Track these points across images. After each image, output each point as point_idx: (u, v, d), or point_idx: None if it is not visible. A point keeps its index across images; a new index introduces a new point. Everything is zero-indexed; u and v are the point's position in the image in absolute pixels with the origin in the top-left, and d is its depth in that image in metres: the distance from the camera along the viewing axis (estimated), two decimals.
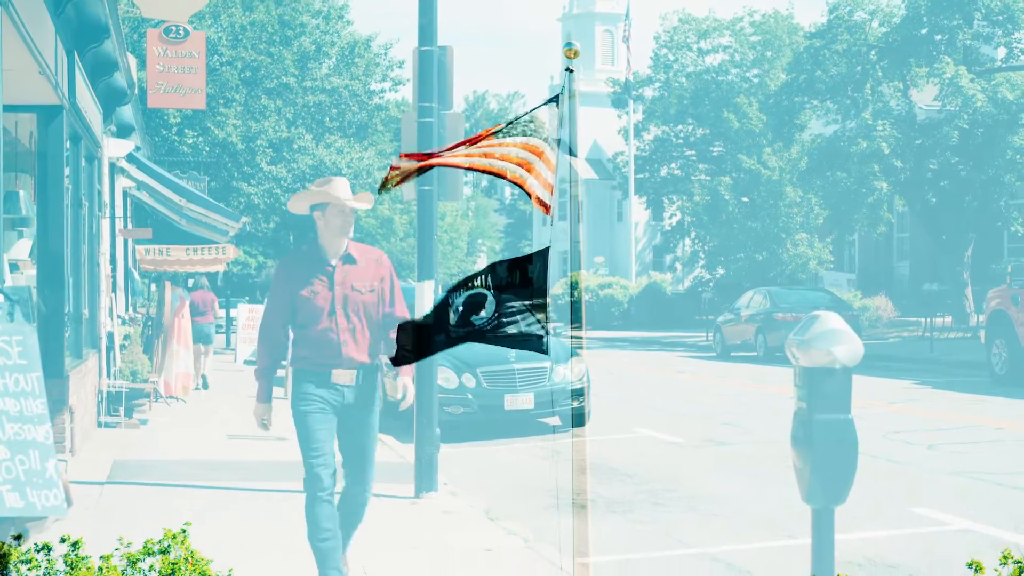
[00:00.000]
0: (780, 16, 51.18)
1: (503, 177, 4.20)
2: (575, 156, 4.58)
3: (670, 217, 55.98)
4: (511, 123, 4.21)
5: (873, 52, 35.07)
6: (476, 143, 4.17)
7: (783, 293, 31.49)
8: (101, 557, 2.67)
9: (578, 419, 6.50)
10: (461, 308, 4.27)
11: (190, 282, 34.03)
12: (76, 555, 2.65)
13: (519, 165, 4.16)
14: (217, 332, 30.36)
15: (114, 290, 18.50)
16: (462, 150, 4.22)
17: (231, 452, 13.37)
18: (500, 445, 14.51)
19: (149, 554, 2.70)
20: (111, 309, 17.10)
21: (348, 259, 6.95)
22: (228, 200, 42.01)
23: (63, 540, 2.73)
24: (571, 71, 4.10)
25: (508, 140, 4.14)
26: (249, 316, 30.43)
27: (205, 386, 22.65)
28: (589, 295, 48.79)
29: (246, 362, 29.53)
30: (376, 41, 48.58)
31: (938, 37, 33.77)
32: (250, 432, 15.17)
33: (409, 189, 11.17)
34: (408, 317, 6.87)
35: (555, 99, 4.33)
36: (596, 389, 17.91)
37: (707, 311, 41.90)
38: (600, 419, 15.47)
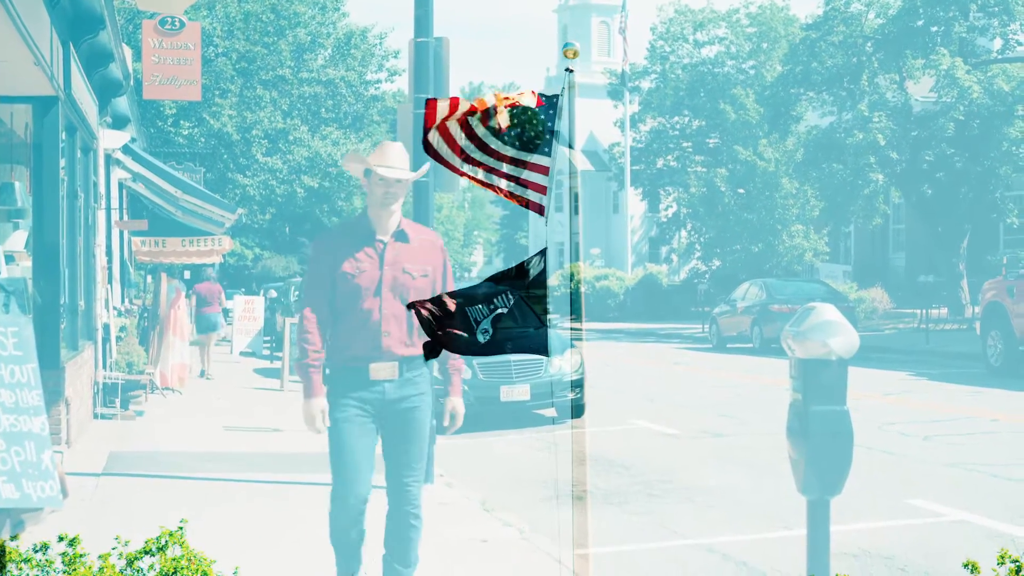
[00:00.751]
0: (776, 7, 51.16)
1: (498, 192, 4.23)
2: (572, 148, 4.57)
3: (666, 209, 55.97)
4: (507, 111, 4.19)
5: (869, 44, 35.05)
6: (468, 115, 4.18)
7: (779, 285, 31.51)
8: (100, 557, 2.67)
9: (575, 410, 6.49)
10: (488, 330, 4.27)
11: (186, 274, 34.00)
12: (74, 553, 2.64)
13: (510, 178, 4.20)
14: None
15: (110, 282, 18.50)
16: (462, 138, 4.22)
17: (227, 444, 13.37)
18: (496, 437, 14.52)
19: (148, 553, 2.69)
20: (107, 300, 17.09)
21: (400, 236, 6.15)
22: (224, 192, 42.04)
23: (61, 539, 2.72)
24: (571, 71, 4.10)
25: (504, 153, 4.17)
26: (245, 307, 30.44)
27: (208, 376, 22.84)
28: (585, 287, 48.82)
29: (242, 353, 29.57)
30: (372, 32, 48.55)
31: (934, 29, 33.76)
32: (246, 424, 15.20)
33: None
34: None
35: (554, 96, 4.31)
36: (592, 381, 17.93)
37: (703, 303, 41.94)
38: (596, 411, 15.48)
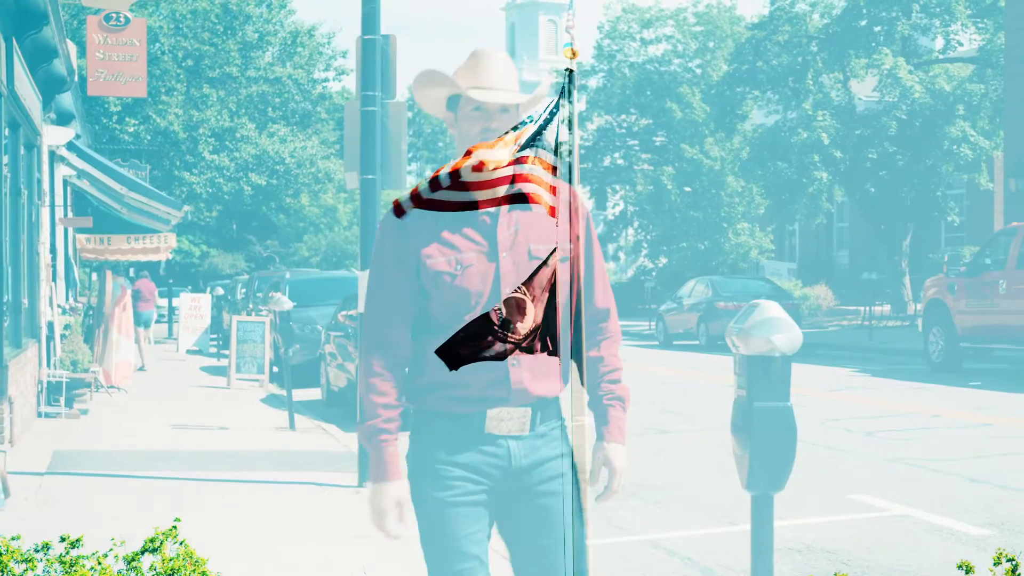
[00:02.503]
0: (723, 7, 51.51)
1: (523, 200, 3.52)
2: (572, 151, 4.56)
3: (613, 207, 56.22)
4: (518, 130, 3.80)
5: (814, 43, 35.39)
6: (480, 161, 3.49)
7: (725, 282, 31.76)
8: (94, 555, 2.67)
9: None
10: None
11: (131, 271, 33.73)
12: (73, 557, 2.65)
13: (528, 180, 3.56)
14: (159, 321, 30.37)
15: (54, 279, 18.33)
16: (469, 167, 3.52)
17: (174, 442, 13.30)
18: None
19: (146, 551, 2.70)
20: (51, 298, 16.95)
21: (519, 200, 3.51)
22: (170, 189, 41.76)
23: (63, 539, 2.73)
24: (571, 71, 4.00)
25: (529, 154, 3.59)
26: (192, 305, 30.29)
27: (144, 368, 23.14)
28: None
29: (189, 351, 29.41)
30: (319, 30, 48.43)
31: (877, 29, 34.16)
32: (192, 422, 15.12)
33: (352, 178, 11.17)
34: (614, 312, 4.10)
35: (557, 100, 4.00)
36: None
37: (650, 300, 42.14)
38: None
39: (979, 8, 33.37)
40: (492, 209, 3.65)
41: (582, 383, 3.48)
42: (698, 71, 51.34)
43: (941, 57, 35.07)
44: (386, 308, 3.76)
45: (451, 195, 3.14)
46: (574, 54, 4.11)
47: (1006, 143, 29.95)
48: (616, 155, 53.94)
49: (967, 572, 2.73)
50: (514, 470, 3.79)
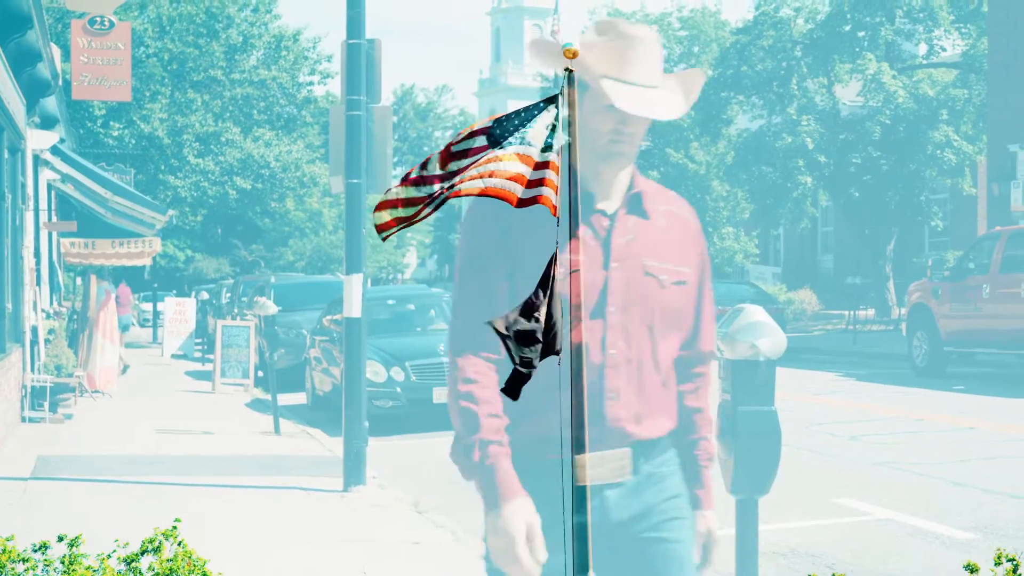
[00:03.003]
0: (708, 11, 51.58)
1: (486, 194, 3.25)
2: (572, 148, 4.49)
3: None
4: (506, 123, 3.60)
5: (798, 48, 35.47)
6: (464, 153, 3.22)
7: None
8: (97, 556, 2.68)
9: None
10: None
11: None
12: (72, 554, 2.65)
13: (513, 180, 3.26)
14: (143, 325, 30.34)
15: (38, 284, 18.28)
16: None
17: (159, 447, 13.27)
18: (429, 438, 14.51)
19: (144, 552, 2.70)
20: (35, 303, 16.90)
21: (635, 205, 3.29)
22: (155, 193, 41.68)
23: (61, 539, 2.73)
24: (570, 71, 3.93)
25: (502, 153, 3.35)
26: (176, 310, 30.27)
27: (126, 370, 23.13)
28: None
29: (173, 356, 29.38)
30: (305, 35, 48.42)
31: (861, 34, 34.26)
32: (177, 426, 15.09)
33: (337, 182, 11.18)
34: (715, 355, 3.94)
35: (553, 99, 3.81)
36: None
37: None
38: None
39: (962, 14, 33.51)
40: (610, 207, 3.15)
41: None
42: None
43: (925, 62, 35.20)
44: (481, 308, 3.15)
45: (415, 191, 2.68)
46: (574, 54, 4.03)
47: (989, 148, 30.06)
48: None
49: (972, 572, 2.74)
50: (612, 524, 3.20)
